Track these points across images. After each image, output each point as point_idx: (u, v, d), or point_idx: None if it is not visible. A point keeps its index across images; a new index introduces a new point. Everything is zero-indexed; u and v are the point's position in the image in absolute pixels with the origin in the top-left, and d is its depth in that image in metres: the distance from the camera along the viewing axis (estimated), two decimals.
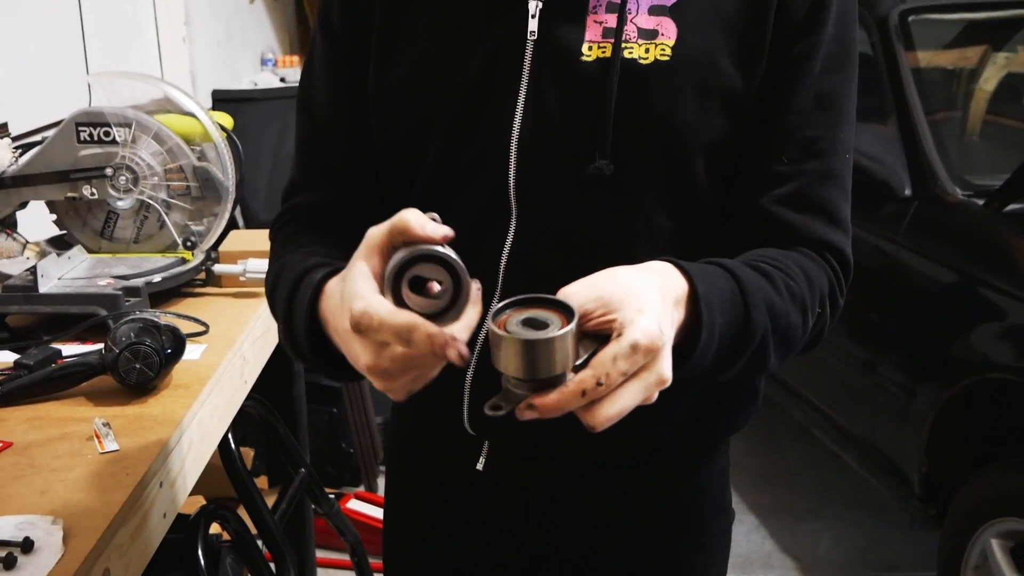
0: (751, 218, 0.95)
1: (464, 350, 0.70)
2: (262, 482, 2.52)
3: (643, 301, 0.73)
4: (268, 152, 3.01)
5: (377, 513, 2.98)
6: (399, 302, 0.73)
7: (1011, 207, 2.37)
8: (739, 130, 0.93)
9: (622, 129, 0.91)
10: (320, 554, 2.51)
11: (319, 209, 1.05)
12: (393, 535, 1.22)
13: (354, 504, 3.01)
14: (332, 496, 2.76)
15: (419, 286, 0.74)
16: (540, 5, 0.92)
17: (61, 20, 2.59)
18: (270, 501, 1.90)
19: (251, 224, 2.98)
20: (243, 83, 4.06)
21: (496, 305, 0.74)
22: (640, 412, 0.76)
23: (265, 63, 4.63)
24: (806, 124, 0.93)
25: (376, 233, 0.76)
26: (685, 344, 0.79)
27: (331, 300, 0.83)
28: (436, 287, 0.74)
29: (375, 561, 2.23)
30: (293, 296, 0.89)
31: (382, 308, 0.71)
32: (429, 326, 0.70)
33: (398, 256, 0.73)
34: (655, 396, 0.73)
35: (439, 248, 0.73)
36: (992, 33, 3.15)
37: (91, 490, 1.07)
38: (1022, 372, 2.15)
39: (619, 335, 0.70)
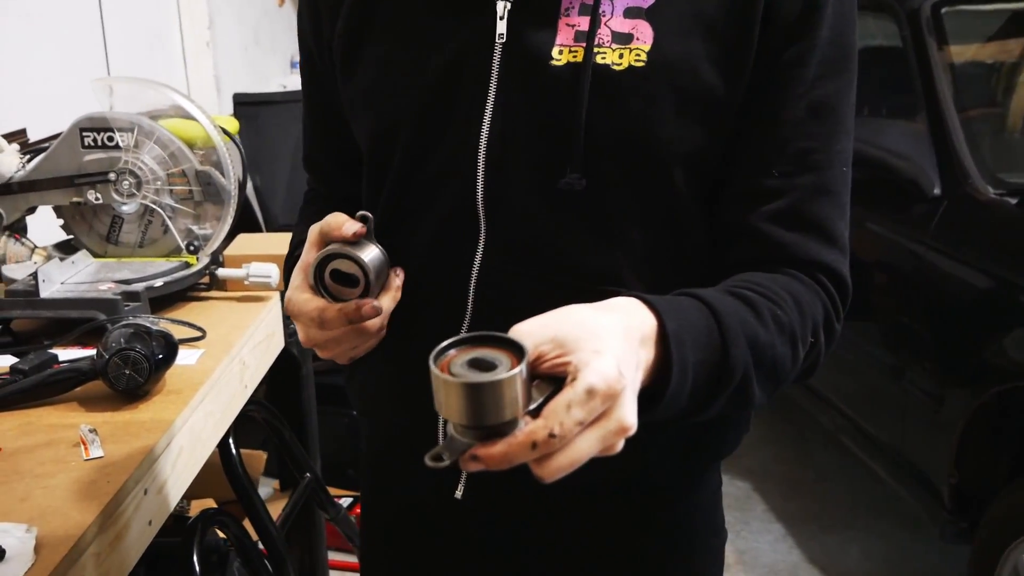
0: (739, 236, 0.89)
1: (377, 304, 0.85)
2: (279, 485, 2.52)
3: (601, 341, 0.67)
4: (288, 155, 3.01)
5: None
6: (322, 291, 0.87)
7: None
8: (721, 141, 0.88)
9: (594, 140, 0.86)
10: (334, 556, 2.50)
11: (323, 196, 1.13)
12: (369, 560, 1.18)
13: None
14: (350, 499, 2.77)
15: (346, 278, 0.87)
16: (508, 6, 0.87)
17: (82, 25, 2.60)
18: (282, 504, 1.90)
19: (272, 227, 2.98)
20: (271, 86, 4.07)
21: (439, 346, 0.67)
22: (627, 440, 0.71)
23: (294, 66, 4.64)
24: (799, 135, 0.87)
25: (312, 231, 0.87)
26: (656, 385, 0.74)
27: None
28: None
29: None
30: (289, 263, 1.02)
31: (299, 296, 0.87)
32: (337, 305, 0.85)
33: (317, 254, 0.87)
34: (618, 446, 0.67)
35: (346, 248, 0.86)
36: None
37: (70, 497, 1.06)
38: None
39: (573, 379, 0.64)
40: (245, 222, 1.79)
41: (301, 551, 2.01)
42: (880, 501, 3.24)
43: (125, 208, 1.71)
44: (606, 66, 0.85)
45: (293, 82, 4.32)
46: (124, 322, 1.34)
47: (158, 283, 1.61)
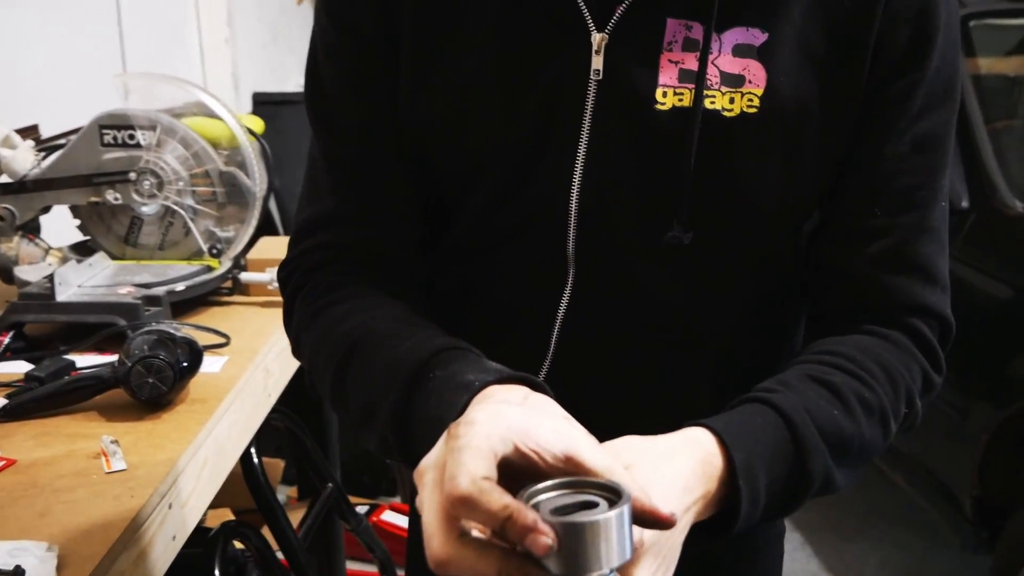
0: (838, 279, 0.85)
1: None
2: (292, 493, 2.48)
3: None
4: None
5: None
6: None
7: None
8: (827, 189, 0.84)
9: (701, 192, 0.80)
10: (352, 566, 2.47)
11: (361, 252, 0.86)
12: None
13: (388, 516, 2.96)
14: (366, 507, 2.74)
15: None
16: (606, 39, 0.78)
17: (99, 20, 2.57)
18: (300, 512, 1.86)
19: (290, 231, 2.93)
20: (289, 85, 4.04)
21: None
22: None
23: None
24: (903, 171, 0.82)
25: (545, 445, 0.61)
26: (727, 513, 0.71)
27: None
28: None
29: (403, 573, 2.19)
30: (417, 391, 0.71)
31: (490, 496, 0.56)
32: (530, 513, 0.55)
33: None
34: None
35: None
36: None
37: (92, 513, 1.02)
38: None
39: None
40: (263, 225, 1.75)
41: (319, 561, 1.98)
42: (898, 510, 3.20)
43: (145, 209, 1.67)
44: (716, 112, 0.78)
45: None
46: (146, 328, 1.30)
47: (180, 287, 1.58)
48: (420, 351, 0.73)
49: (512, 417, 0.60)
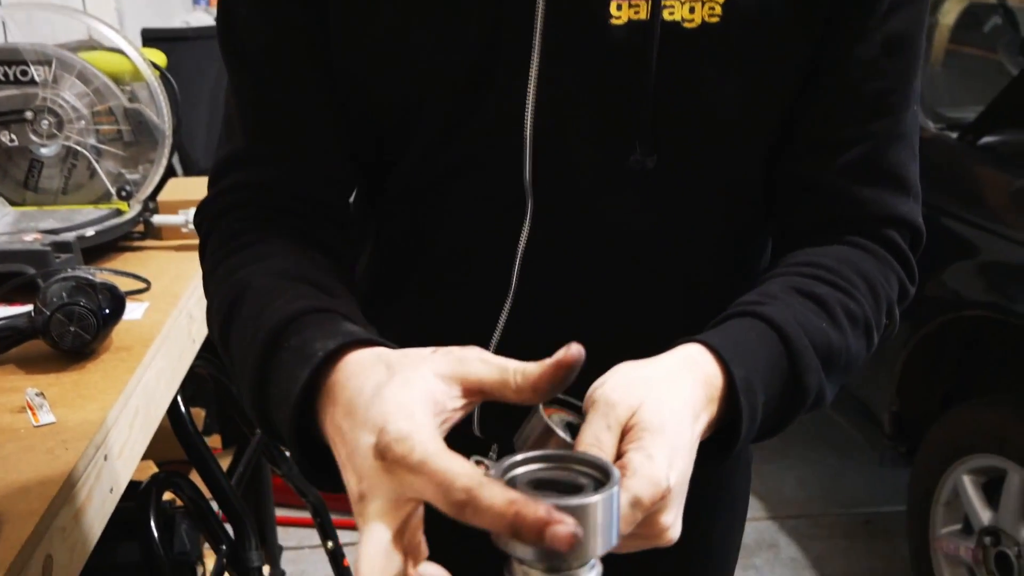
0: (809, 194, 0.82)
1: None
2: (215, 442, 2.41)
3: (663, 438, 0.60)
4: (206, 95, 2.84)
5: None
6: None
7: (985, 140, 2.31)
8: (794, 100, 0.79)
9: (663, 110, 0.75)
10: (279, 512, 2.42)
11: (274, 192, 0.81)
12: None
13: None
14: (288, 454, 2.68)
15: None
16: None
17: None
18: (224, 463, 1.80)
19: (190, 172, 2.83)
20: (175, 22, 3.86)
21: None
22: None
23: (197, 2, 4.42)
24: (873, 75, 0.78)
25: (477, 365, 0.57)
26: (725, 433, 0.69)
27: (345, 391, 0.59)
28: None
29: (337, 518, 2.15)
30: (270, 360, 0.65)
31: (421, 435, 0.52)
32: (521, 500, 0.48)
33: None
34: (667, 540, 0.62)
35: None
36: None
37: (25, 469, 0.96)
38: (996, 307, 2.11)
39: (621, 478, 0.56)
40: (170, 166, 1.66)
41: (250, 509, 1.92)
42: (812, 431, 3.29)
43: (44, 151, 1.56)
44: (675, 24, 0.73)
45: (196, 19, 4.10)
46: (61, 275, 1.22)
47: (89, 232, 1.49)
48: (279, 316, 0.66)
49: (416, 400, 0.55)
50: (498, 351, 0.81)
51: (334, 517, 2.00)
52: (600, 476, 0.53)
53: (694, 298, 0.84)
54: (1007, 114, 2.30)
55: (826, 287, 0.76)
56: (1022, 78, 2.25)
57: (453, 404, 0.56)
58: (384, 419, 0.53)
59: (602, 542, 0.51)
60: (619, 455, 0.59)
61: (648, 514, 0.58)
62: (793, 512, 2.91)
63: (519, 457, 0.54)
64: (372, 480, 0.54)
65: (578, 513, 0.49)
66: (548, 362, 0.55)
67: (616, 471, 0.53)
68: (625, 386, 0.62)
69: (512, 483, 0.53)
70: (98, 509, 1.03)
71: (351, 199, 0.89)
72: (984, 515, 2.17)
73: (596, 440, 0.59)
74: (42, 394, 1.09)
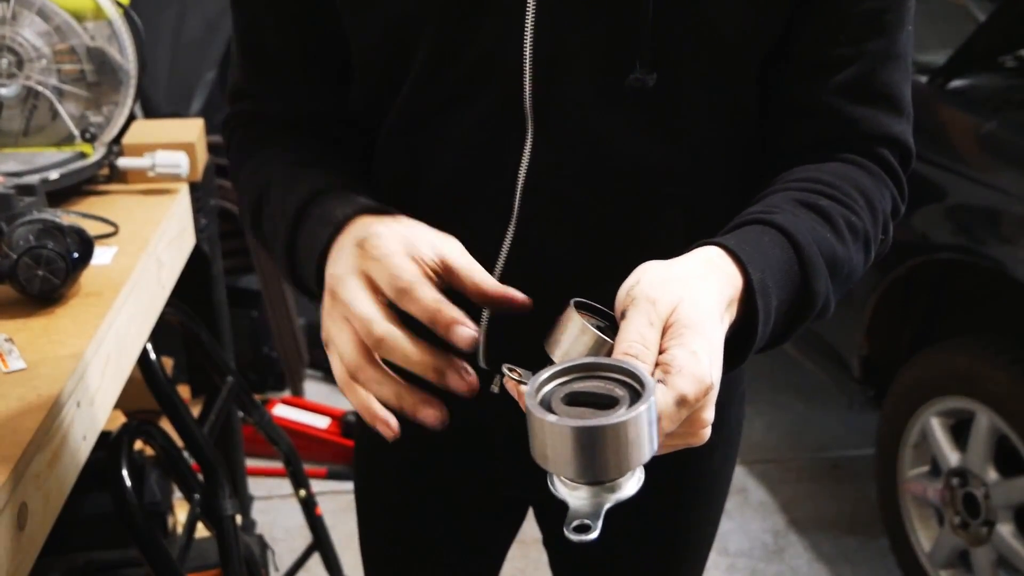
0: (803, 114, 0.83)
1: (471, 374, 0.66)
2: (183, 391, 2.38)
3: (703, 337, 0.62)
4: (167, 35, 2.76)
5: (306, 419, 2.88)
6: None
7: (954, 84, 2.31)
8: (787, 18, 0.80)
9: (663, 27, 0.75)
10: (249, 463, 2.40)
11: (276, 118, 0.92)
12: (374, 455, 1.10)
13: (280, 410, 2.90)
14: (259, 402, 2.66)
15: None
16: None
17: None
18: (194, 412, 1.78)
19: (153, 115, 2.76)
20: None
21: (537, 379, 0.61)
22: None
23: None
24: None
25: (459, 251, 0.69)
26: (738, 337, 0.70)
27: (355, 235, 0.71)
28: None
29: (309, 467, 2.14)
30: (299, 228, 0.77)
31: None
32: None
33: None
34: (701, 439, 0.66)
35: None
36: None
37: None
38: (964, 250, 2.13)
39: (664, 376, 0.60)
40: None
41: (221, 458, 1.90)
42: (779, 375, 3.32)
43: (4, 91, 1.51)
44: None
45: None
46: (27, 217, 1.18)
47: (53, 175, 1.44)
48: (306, 191, 0.78)
49: (399, 231, 0.68)
50: (503, 277, 0.83)
51: (305, 467, 1.99)
52: (634, 383, 0.55)
53: (695, 220, 0.85)
54: (976, 58, 2.31)
55: (827, 200, 0.77)
56: (990, 23, 2.25)
57: (425, 259, 0.67)
58: (367, 229, 0.69)
59: (643, 453, 0.54)
60: (660, 351, 0.62)
61: (692, 411, 0.61)
62: (762, 457, 2.95)
63: (552, 371, 0.58)
64: (348, 263, 0.68)
65: (617, 430, 0.52)
66: (502, 289, 0.67)
67: (650, 381, 0.55)
68: (663, 284, 0.64)
69: (547, 398, 0.56)
70: (72, 457, 1.01)
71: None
72: (952, 457, 2.20)
73: (640, 337, 0.61)
74: (11, 340, 1.06)
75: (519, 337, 0.85)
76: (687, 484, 1.03)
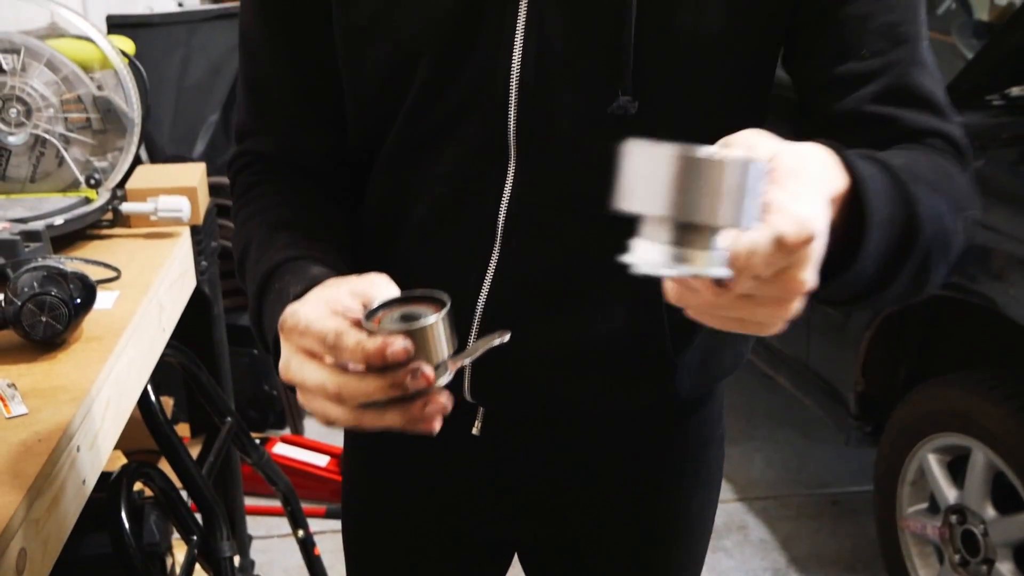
0: (838, 127, 0.81)
1: (431, 371, 0.66)
2: (183, 430, 2.40)
3: (804, 184, 0.57)
4: (172, 82, 2.81)
5: (306, 457, 2.89)
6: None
7: None
8: (772, 46, 0.82)
9: (643, 59, 0.78)
10: (249, 501, 2.41)
11: (271, 160, 0.95)
12: (363, 499, 1.12)
13: (281, 448, 2.91)
14: (257, 441, 2.67)
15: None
16: None
17: None
18: (193, 451, 1.79)
19: (157, 160, 2.80)
20: (138, 8, 3.81)
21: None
22: (660, 363, 0.79)
23: None
24: (883, 9, 0.80)
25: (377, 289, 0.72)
26: (843, 250, 0.64)
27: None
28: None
29: (306, 506, 2.15)
30: (262, 301, 0.82)
31: (313, 310, 0.69)
32: (373, 339, 0.66)
33: (390, 298, 0.72)
34: (786, 316, 0.58)
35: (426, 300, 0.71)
36: None
37: None
38: (956, 287, 2.14)
39: (764, 216, 0.54)
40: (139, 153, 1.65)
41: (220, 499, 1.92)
42: (778, 412, 3.33)
43: (12, 139, 1.55)
44: None
45: (160, 5, 4.05)
46: (32, 264, 1.21)
47: (58, 221, 1.47)
48: (267, 265, 0.82)
49: (318, 294, 0.71)
50: (488, 302, 0.87)
51: (304, 505, 2.00)
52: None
53: None
54: (962, 97, 2.34)
55: (904, 163, 0.73)
56: (976, 61, 2.28)
57: (350, 308, 0.69)
58: (288, 312, 0.70)
59: (735, 209, 0.50)
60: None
61: (790, 262, 0.54)
62: (761, 493, 2.95)
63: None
64: (284, 349, 0.70)
65: (715, 167, 0.51)
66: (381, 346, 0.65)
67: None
68: (760, 138, 0.60)
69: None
70: (71, 501, 1.03)
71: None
72: (950, 494, 2.20)
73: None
74: (13, 385, 1.09)
75: (504, 366, 0.88)
76: (669, 527, 1.04)
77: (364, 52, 0.86)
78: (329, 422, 0.69)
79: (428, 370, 0.65)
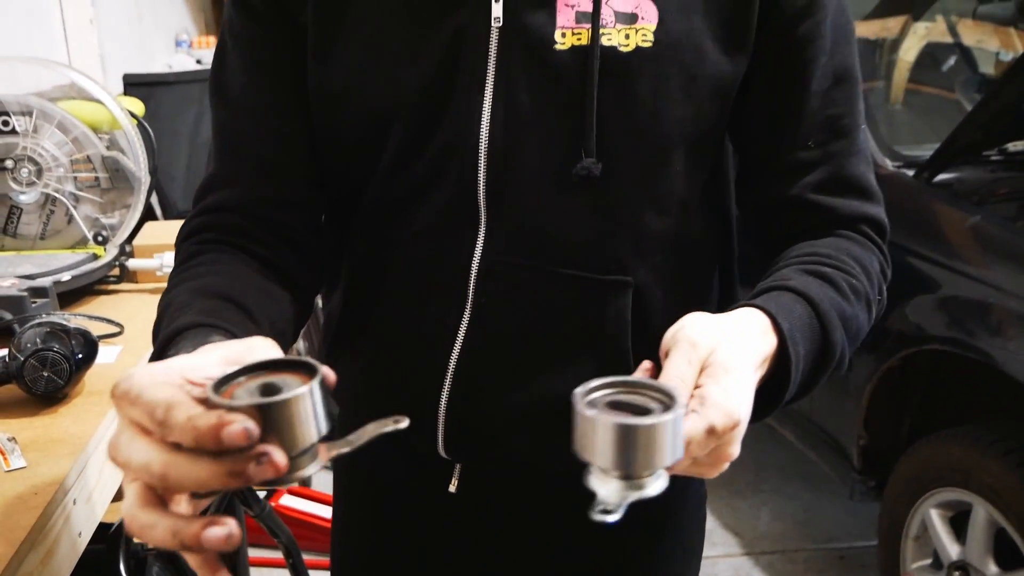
0: (785, 209, 0.92)
1: (266, 450, 0.54)
2: None
3: (733, 379, 0.68)
4: (185, 138, 2.88)
5: (310, 508, 2.90)
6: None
7: (940, 178, 2.37)
8: (726, 120, 0.89)
9: (604, 124, 0.84)
10: (253, 553, 2.43)
11: (232, 212, 0.90)
12: (349, 554, 1.14)
13: (287, 500, 2.92)
14: (263, 493, 2.69)
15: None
16: None
17: None
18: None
19: (169, 214, 2.86)
20: (157, 66, 3.90)
21: (590, 384, 0.64)
22: None
23: (179, 44, 4.47)
24: (827, 104, 0.89)
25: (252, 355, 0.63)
26: (772, 383, 0.77)
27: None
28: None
29: (309, 558, 2.16)
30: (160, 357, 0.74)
31: (150, 380, 0.57)
32: (206, 412, 0.54)
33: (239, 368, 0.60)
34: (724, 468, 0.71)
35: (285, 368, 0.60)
36: (911, 3, 3.14)
37: None
38: (955, 342, 2.15)
39: (698, 406, 0.65)
40: (147, 210, 1.69)
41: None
42: (786, 465, 3.32)
43: (24, 198, 1.60)
44: (612, 48, 0.83)
45: (178, 62, 4.15)
46: (36, 320, 1.25)
47: (65, 277, 1.52)
48: (171, 330, 0.74)
49: (157, 364, 0.61)
50: (460, 360, 0.89)
51: (306, 557, 2.01)
52: (666, 400, 0.62)
53: (643, 305, 0.90)
54: (959, 152, 2.37)
55: (829, 268, 0.85)
56: (972, 117, 2.31)
57: (188, 379, 0.59)
58: (123, 376, 0.59)
59: (669, 455, 0.60)
60: (696, 387, 0.67)
61: (719, 443, 0.66)
62: (768, 548, 2.94)
63: (597, 382, 0.63)
64: (118, 421, 0.59)
65: (650, 431, 0.59)
66: (216, 424, 0.55)
67: (681, 395, 0.62)
68: (705, 330, 0.70)
69: (595, 402, 0.62)
70: (66, 554, 1.05)
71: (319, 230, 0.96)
72: (952, 549, 2.20)
73: (679, 374, 0.67)
74: (14, 439, 1.12)
75: (475, 421, 0.91)
76: None
77: (337, 116, 0.89)
78: (145, 531, 0.57)
79: (279, 457, 0.54)
